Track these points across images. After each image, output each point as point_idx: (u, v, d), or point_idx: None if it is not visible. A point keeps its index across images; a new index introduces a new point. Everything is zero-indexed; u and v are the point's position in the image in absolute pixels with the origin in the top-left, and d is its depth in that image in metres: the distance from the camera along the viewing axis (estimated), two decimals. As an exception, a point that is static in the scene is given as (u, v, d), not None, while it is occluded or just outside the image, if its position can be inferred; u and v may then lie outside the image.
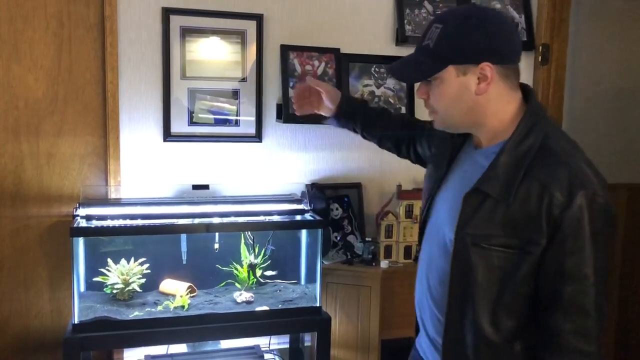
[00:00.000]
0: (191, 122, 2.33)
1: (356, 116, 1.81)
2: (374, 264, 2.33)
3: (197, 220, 2.03)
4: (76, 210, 2.05)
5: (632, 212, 2.90)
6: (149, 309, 2.01)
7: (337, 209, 2.45)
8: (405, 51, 2.53)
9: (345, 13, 2.48)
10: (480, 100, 1.23)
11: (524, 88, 1.28)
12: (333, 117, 1.84)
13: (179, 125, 2.32)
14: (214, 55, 2.33)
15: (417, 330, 1.50)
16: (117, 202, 2.19)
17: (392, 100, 2.51)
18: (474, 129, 1.30)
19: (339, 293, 2.31)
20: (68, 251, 2.15)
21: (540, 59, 2.65)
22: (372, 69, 2.50)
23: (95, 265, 2.06)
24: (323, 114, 1.89)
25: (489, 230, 1.20)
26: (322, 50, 2.43)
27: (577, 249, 1.13)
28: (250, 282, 2.20)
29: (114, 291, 2.05)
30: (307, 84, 1.89)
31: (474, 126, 1.28)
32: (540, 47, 2.64)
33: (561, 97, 2.71)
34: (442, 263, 1.31)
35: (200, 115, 2.34)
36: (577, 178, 1.15)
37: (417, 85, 1.31)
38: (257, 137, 2.39)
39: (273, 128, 2.43)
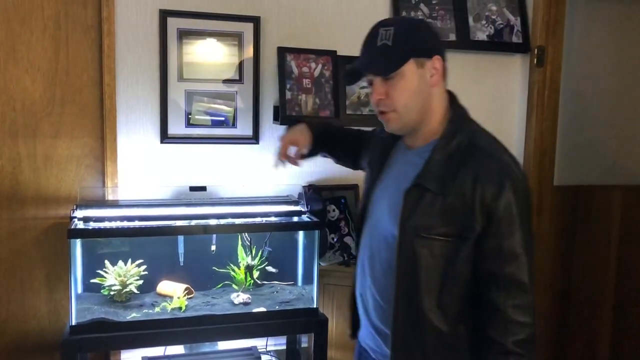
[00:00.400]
0: (188, 124, 2.34)
1: (326, 147, 1.82)
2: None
3: (194, 222, 2.03)
4: (73, 212, 2.05)
5: (627, 214, 2.92)
6: (146, 311, 2.01)
7: (333, 210, 2.46)
8: (402, 53, 2.56)
9: (341, 15, 2.49)
10: (433, 93, 1.38)
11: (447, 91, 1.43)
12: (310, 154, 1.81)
13: (176, 127, 2.32)
14: (211, 57, 2.34)
15: (354, 328, 1.62)
16: (115, 204, 2.19)
17: (388, 102, 2.52)
18: (417, 129, 1.41)
19: (336, 294, 2.31)
20: (65, 253, 2.15)
21: (535, 61, 2.67)
22: (369, 71, 2.50)
23: (92, 266, 2.06)
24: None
25: (429, 221, 1.32)
26: (319, 53, 2.44)
27: (510, 232, 1.28)
28: (248, 284, 2.20)
29: (112, 293, 2.05)
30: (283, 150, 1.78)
31: (421, 124, 1.39)
32: (536, 50, 2.66)
33: (557, 99, 2.73)
34: (385, 255, 1.41)
35: (197, 117, 2.35)
36: (504, 170, 1.31)
37: (366, 89, 1.37)
38: (254, 138, 2.40)
39: (270, 130, 2.43)
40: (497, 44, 2.66)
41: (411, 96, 1.36)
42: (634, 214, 2.92)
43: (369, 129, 1.82)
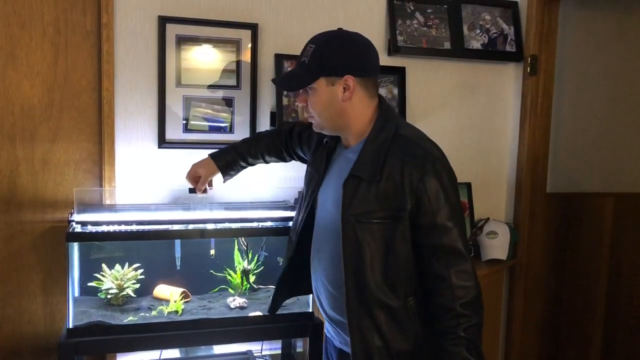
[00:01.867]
0: (186, 129, 2.36)
1: (234, 161, 2.03)
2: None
3: (191, 226, 2.05)
4: (71, 215, 2.07)
5: (619, 222, 2.95)
6: (143, 314, 2.02)
7: (329, 215, 2.47)
8: (398, 61, 2.59)
9: (338, 23, 2.52)
10: (346, 106, 1.53)
11: (379, 96, 1.60)
12: (225, 177, 2.04)
13: (174, 132, 2.35)
14: (209, 63, 2.36)
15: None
16: (112, 208, 2.21)
17: (384, 109, 2.55)
18: (342, 131, 1.59)
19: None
20: (62, 256, 2.18)
21: (529, 70, 2.71)
22: (365, 78, 2.53)
23: (89, 270, 2.08)
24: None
25: (367, 207, 1.47)
26: (315, 60, 2.47)
27: (439, 207, 1.43)
28: (244, 288, 2.22)
29: (108, 296, 2.06)
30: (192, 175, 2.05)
31: (343, 128, 1.57)
32: (529, 58, 2.70)
33: (549, 108, 2.77)
34: (331, 245, 1.56)
35: (194, 123, 2.37)
36: (426, 153, 1.47)
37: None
38: (251, 144, 2.42)
39: (267, 135, 2.45)
40: (491, 53, 2.70)
41: (323, 108, 1.54)
42: (626, 221, 2.95)
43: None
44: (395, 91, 2.59)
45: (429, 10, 2.62)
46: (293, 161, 2.08)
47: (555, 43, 2.74)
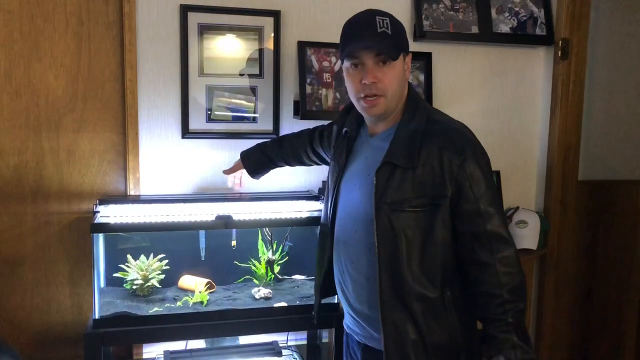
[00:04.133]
0: (209, 119, 2.34)
1: (261, 161, 2.10)
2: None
3: (215, 217, 2.03)
4: (96, 206, 2.07)
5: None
6: (168, 305, 2.02)
7: (354, 205, 2.44)
8: (424, 46, 2.53)
9: (362, 8, 2.45)
10: (405, 85, 1.51)
11: None
12: (252, 175, 2.12)
13: (197, 122, 2.33)
14: (231, 52, 2.33)
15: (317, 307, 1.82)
16: (137, 199, 2.20)
17: (409, 96, 2.49)
18: (388, 115, 1.51)
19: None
20: (88, 247, 2.19)
21: (560, 54, 2.62)
22: (390, 64, 2.48)
23: (114, 261, 2.08)
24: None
25: (402, 195, 1.41)
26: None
27: (481, 193, 1.39)
28: (268, 278, 2.20)
29: (134, 287, 2.07)
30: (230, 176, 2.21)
31: (395, 108, 1.50)
32: (560, 42, 2.61)
33: (581, 93, 2.68)
34: (361, 235, 1.50)
35: (218, 112, 2.35)
36: (463, 138, 1.44)
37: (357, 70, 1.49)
38: (275, 133, 2.39)
39: (290, 124, 2.42)
40: (521, 37, 2.61)
41: (398, 85, 1.47)
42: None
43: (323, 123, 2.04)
44: (422, 77, 2.53)
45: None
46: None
47: (588, 26, 2.64)
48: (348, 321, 1.66)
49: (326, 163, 1.98)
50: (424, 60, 2.53)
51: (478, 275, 1.42)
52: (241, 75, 2.35)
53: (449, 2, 2.54)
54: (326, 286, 1.75)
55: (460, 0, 2.55)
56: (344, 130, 1.65)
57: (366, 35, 1.45)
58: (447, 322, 1.45)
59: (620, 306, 2.92)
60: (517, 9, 2.61)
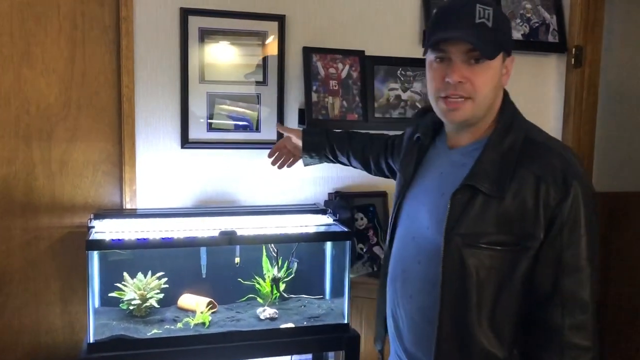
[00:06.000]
0: (210, 128, 2.22)
1: (321, 145, 1.91)
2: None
3: (219, 233, 1.91)
4: (91, 221, 1.95)
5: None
6: (168, 326, 1.89)
7: (361, 218, 2.33)
8: (433, 53, 2.42)
9: (369, 13, 2.37)
10: (500, 91, 1.25)
11: None
12: (304, 153, 1.94)
13: (197, 131, 2.21)
14: (233, 58, 2.22)
15: (380, 342, 1.51)
16: (133, 213, 2.08)
17: (419, 105, 2.39)
18: (474, 125, 1.25)
19: (365, 308, 2.19)
20: (81, 264, 2.05)
21: (573, 62, 2.53)
22: (398, 71, 2.38)
23: (110, 279, 1.95)
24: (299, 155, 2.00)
25: (481, 228, 1.16)
26: (346, 53, 2.32)
27: (575, 240, 1.13)
28: (274, 297, 2.08)
29: (131, 307, 1.94)
30: (279, 143, 2.07)
31: (481, 120, 1.25)
32: (574, 49, 2.52)
33: (595, 102, 2.59)
34: (425, 269, 1.25)
35: (219, 121, 2.23)
36: (570, 168, 1.15)
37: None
38: (279, 143, 2.28)
39: (295, 134, 2.31)
40: (533, 44, 2.52)
41: (491, 89, 1.20)
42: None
43: (395, 133, 1.79)
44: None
45: (464, -1, 2.45)
46: (330, 165, 2.03)
47: (602, 33, 2.56)
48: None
49: (389, 176, 1.80)
50: (434, 68, 2.43)
51: (540, 340, 1.18)
52: (246, 79, 2.23)
53: (459, 8, 2.44)
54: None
55: (470, 5, 2.46)
56: (416, 135, 1.41)
57: (459, 23, 1.17)
58: None
59: (634, 322, 2.83)
60: (529, 15, 2.53)
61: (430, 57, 1.25)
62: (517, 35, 2.50)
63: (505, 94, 1.30)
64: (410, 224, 1.35)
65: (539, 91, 2.63)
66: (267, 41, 2.24)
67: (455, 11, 1.19)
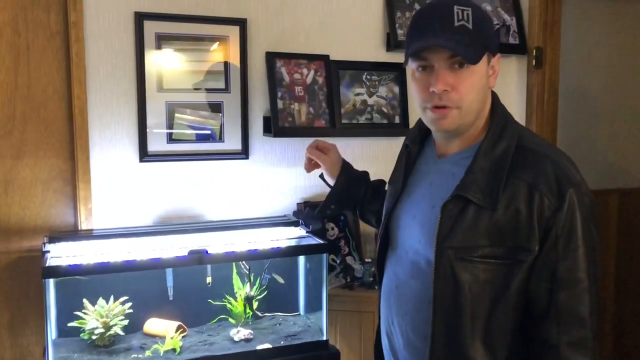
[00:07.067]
0: (170, 140, 2.09)
1: (360, 180, 1.65)
2: (375, 287, 2.15)
3: (188, 252, 1.78)
4: (45, 245, 1.78)
5: (624, 218, 2.84)
6: (135, 355, 1.75)
7: (332, 228, 2.26)
8: (398, 57, 2.38)
9: (333, 17, 2.30)
10: (488, 94, 1.19)
11: None
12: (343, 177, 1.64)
13: (157, 143, 2.07)
14: (193, 64, 2.10)
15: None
16: (91, 234, 1.92)
17: (385, 110, 2.34)
18: (463, 132, 1.20)
19: (339, 320, 2.11)
20: (32, 291, 1.93)
21: (534, 63, 2.54)
22: (364, 76, 2.32)
23: (68, 307, 1.79)
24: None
25: (473, 240, 1.11)
26: (310, 58, 2.24)
27: (570, 251, 1.08)
28: (247, 317, 1.97)
29: (93, 337, 1.78)
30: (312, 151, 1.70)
31: (470, 127, 1.19)
32: (534, 51, 2.54)
33: (556, 102, 2.61)
34: (417, 284, 1.21)
35: (180, 132, 2.10)
36: (563, 174, 1.10)
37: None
38: (244, 153, 2.18)
39: (260, 143, 2.21)
40: (495, 46, 2.52)
41: (477, 94, 1.15)
42: (631, 217, 2.84)
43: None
44: (396, 89, 2.38)
45: (428, 1, 2.42)
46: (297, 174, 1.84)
47: (560, 34, 2.59)
48: None
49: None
50: (399, 72, 2.38)
51: (536, 357, 1.13)
52: (207, 86, 2.11)
53: (422, 10, 2.41)
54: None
55: (433, 7, 2.42)
56: (404, 143, 1.35)
57: (438, 29, 1.11)
58: None
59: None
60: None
61: (412, 66, 1.19)
62: (479, 37, 2.49)
63: (495, 97, 1.25)
64: (403, 240, 1.29)
65: (500, 93, 2.54)
66: (229, 46, 2.13)
67: (432, 15, 1.15)
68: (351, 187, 1.63)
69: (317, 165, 1.70)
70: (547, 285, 1.10)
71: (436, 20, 1.13)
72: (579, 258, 1.09)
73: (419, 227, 1.22)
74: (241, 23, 2.14)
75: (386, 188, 1.49)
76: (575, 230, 1.09)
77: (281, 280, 1.99)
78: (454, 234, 1.13)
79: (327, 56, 2.27)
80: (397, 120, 2.35)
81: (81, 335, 1.80)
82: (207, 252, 1.75)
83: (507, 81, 2.63)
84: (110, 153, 2.03)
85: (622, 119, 2.90)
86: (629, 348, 2.92)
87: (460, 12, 1.11)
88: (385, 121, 2.33)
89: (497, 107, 1.23)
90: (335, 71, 2.27)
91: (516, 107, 2.65)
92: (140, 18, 2.01)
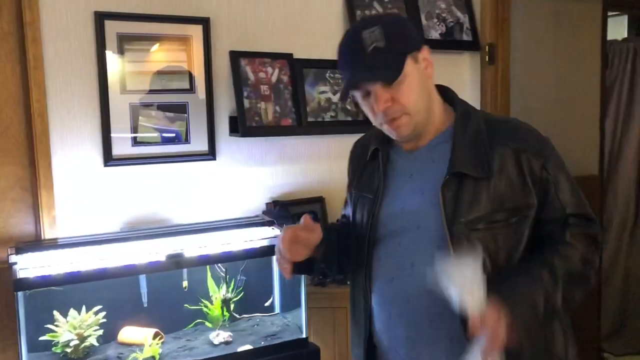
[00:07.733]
0: (135, 143, 2.04)
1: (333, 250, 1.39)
2: (347, 282, 2.16)
3: (165, 257, 1.74)
4: (10, 256, 1.69)
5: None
6: (113, 366, 1.70)
7: (302, 227, 2.25)
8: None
9: (295, 15, 2.30)
10: (430, 85, 1.27)
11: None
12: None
13: (121, 146, 2.01)
14: (157, 65, 2.05)
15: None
16: (56, 244, 1.84)
17: (349, 107, 2.37)
18: (427, 125, 1.27)
19: (313, 317, 2.11)
20: (-3, 307, 1.80)
21: (487, 59, 2.64)
22: (327, 74, 2.34)
23: (37, 320, 1.71)
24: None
25: (480, 210, 1.20)
26: (274, 56, 2.23)
27: (562, 188, 1.23)
28: (225, 319, 1.94)
29: (67, 349, 1.71)
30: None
31: (428, 119, 1.26)
32: (487, 47, 2.63)
33: (508, 97, 2.71)
34: (423, 270, 1.20)
35: (144, 134, 2.05)
36: (537, 136, 1.27)
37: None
38: (211, 154, 2.15)
39: (227, 143, 2.19)
40: (450, 42, 2.59)
41: (418, 94, 1.23)
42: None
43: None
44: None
45: (386, 0, 2.46)
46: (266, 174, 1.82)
47: (509, 31, 2.69)
48: None
49: None
50: (360, 69, 2.41)
51: (556, 242, 1.24)
52: (171, 87, 2.07)
53: (380, 9, 2.45)
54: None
55: (391, 6, 2.47)
56: (373, 148, 1.36)
57: (355, 62, 1.21)
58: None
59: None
60: (444, 14, 2.59)
61: (355, 94, 1.26)
62: (435, 34, 2.55)
63: (447, 88, 1.34)
64: (394, 234, 1.29)
65: (455, 88, 2.64)
66: (192, 46, 2.09)
67: (347, 51, 1.24)
68: (330, 241, 1.37)
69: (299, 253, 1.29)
70: (561, 217, 1.23)
71: (349, 55, 1.23)
72: (569, 188, 1.25)
73: (415, 216, 1.25)
74: (204, 22, 2.10)
75: (347, 197, 1.46)
76: (560, 172, 1.24)
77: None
78: (460, 209, 1.19)
79: (291, 55, 2.27)
80: (360, 117, 2.38)
81: (53, 349, 1.72)
82: (183, 255, 1.72)
83: (462, 77, 2.71)
84: (73, 158, 1.96)
85: (567, 109, 3.03)
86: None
87: (368, 35, 1.19)
88: (349, 118, 2.36)
89: (450, 93, 1.33)
90: (300, 69, 2.28)
91: (471, 102, 2.72)
92: (101, 18, 1.94)
